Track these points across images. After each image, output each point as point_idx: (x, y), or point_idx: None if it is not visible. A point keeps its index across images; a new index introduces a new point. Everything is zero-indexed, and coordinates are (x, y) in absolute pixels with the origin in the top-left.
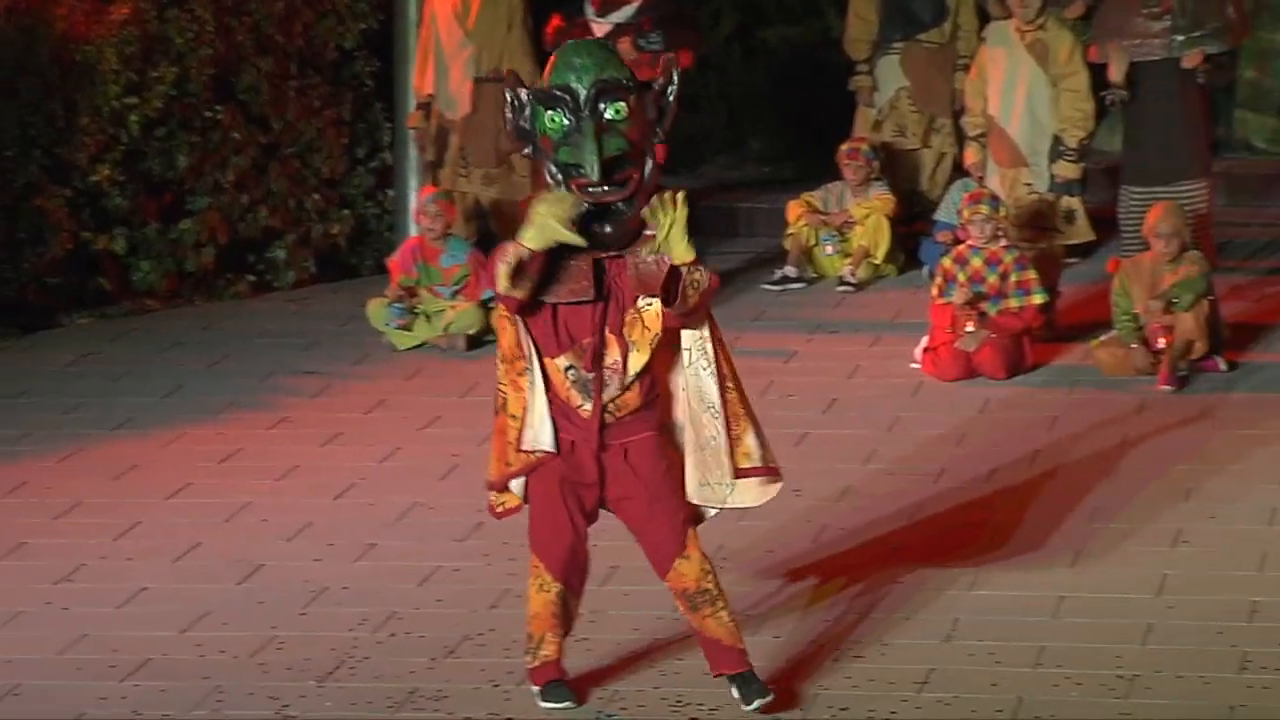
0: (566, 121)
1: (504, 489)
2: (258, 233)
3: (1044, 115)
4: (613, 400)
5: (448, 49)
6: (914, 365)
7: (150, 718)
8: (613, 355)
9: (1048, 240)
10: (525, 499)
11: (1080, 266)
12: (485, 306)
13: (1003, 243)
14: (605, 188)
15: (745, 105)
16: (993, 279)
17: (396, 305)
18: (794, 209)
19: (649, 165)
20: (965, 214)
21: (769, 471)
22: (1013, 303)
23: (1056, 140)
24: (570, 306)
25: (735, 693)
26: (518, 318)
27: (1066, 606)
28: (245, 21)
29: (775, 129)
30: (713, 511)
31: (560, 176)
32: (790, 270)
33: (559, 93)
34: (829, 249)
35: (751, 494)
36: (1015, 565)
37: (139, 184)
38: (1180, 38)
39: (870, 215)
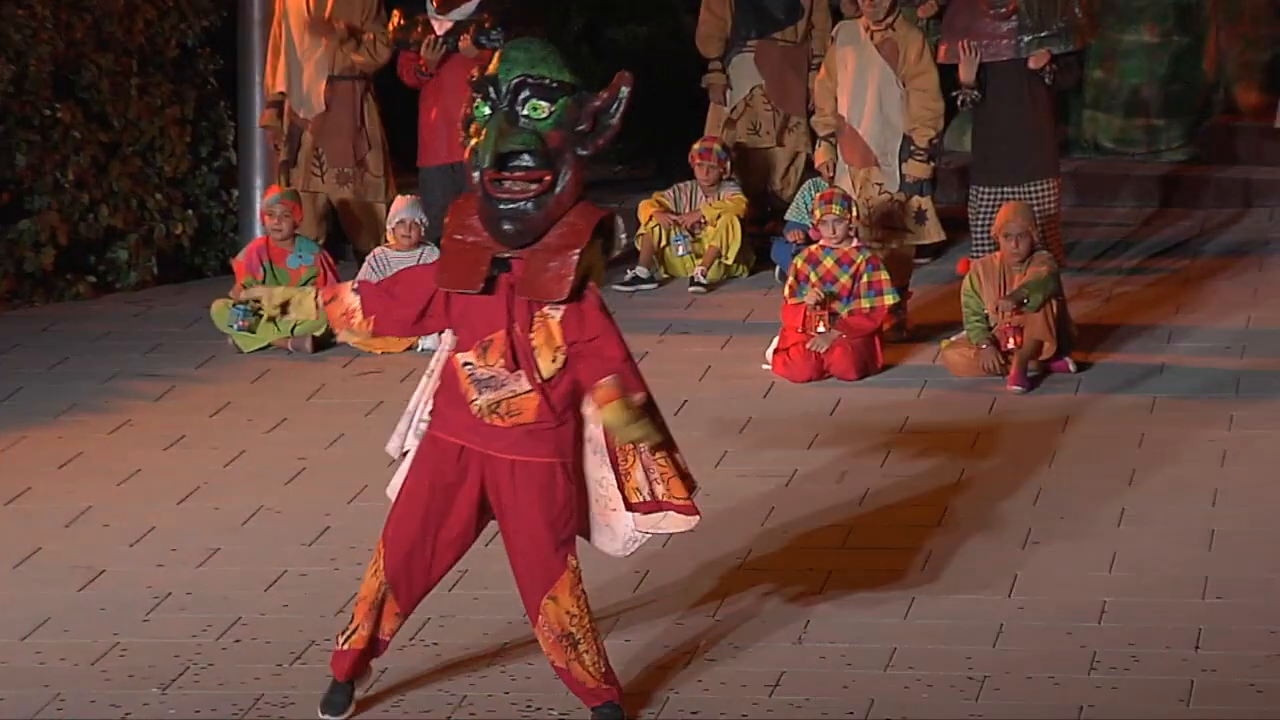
0: (487, 112)
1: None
2: (99, 233)
3: (894, 115)
4: (504, 401)
5: (300, 47)
6: (765, 366)
7: None
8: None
9: (898, 240)
10: None
11: (931, 266)
12: None
13: (855, 243)
14: (502, 181)
15: None
16: (845, 279)
17: (240, 306)
18: (645, 209)
19: (566, 174)
20: (818, 214)
21: (658, 506)
22: (864, 303)
23: (907, 140)
24: (474, 302)
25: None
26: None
27: (917, 608)
28: (85, 18)
29: (627, 128)
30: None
31: (472, 168)
32: (641, 271)
33: (485, 83)
34: (680, 249)
35: (673, 521)
36: (867, 566)
37: None
38: (1027, 38)
39: (722, 215)
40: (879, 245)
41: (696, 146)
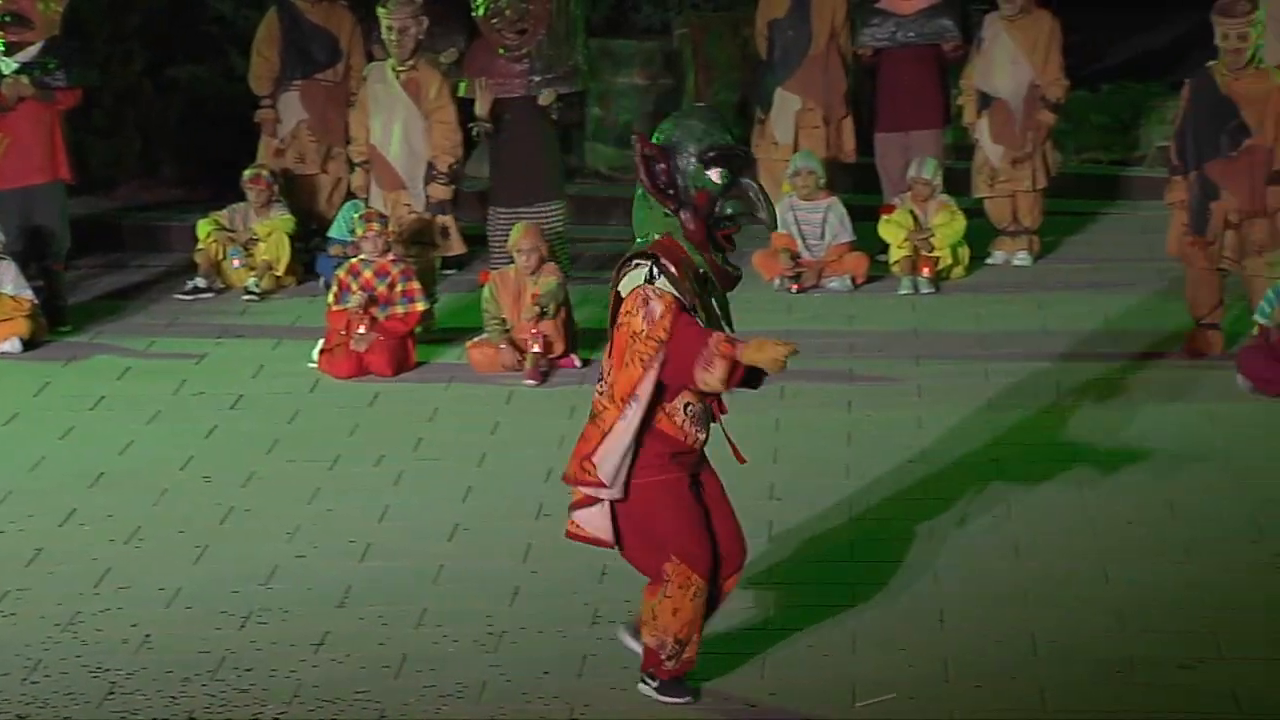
0: (731, 178)
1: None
2: None
3: (418, 144)
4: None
5: None
6: (311, 365)
7: None
8: None
9: (426, 254)
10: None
11: (456, 277)
12: None
13: (390, 256)
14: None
15: (159, 134)
16: (382, 288)
17: None
18: (204, 227)
19: None
20: (359, 231)
21: None
22: (399, 309)
23: (430, 166)
24: None
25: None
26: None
27: (445, 572)
28: None
29: (187, 155)
30: None
31: (725, 226)
32: (201, 281)
33: (733, 153)
34: (236, 262)
35: None
36: (399, 541)
37: None
38: (536, 79)
39: (273, 233)
40: (412, 259)
41: (248, 172)
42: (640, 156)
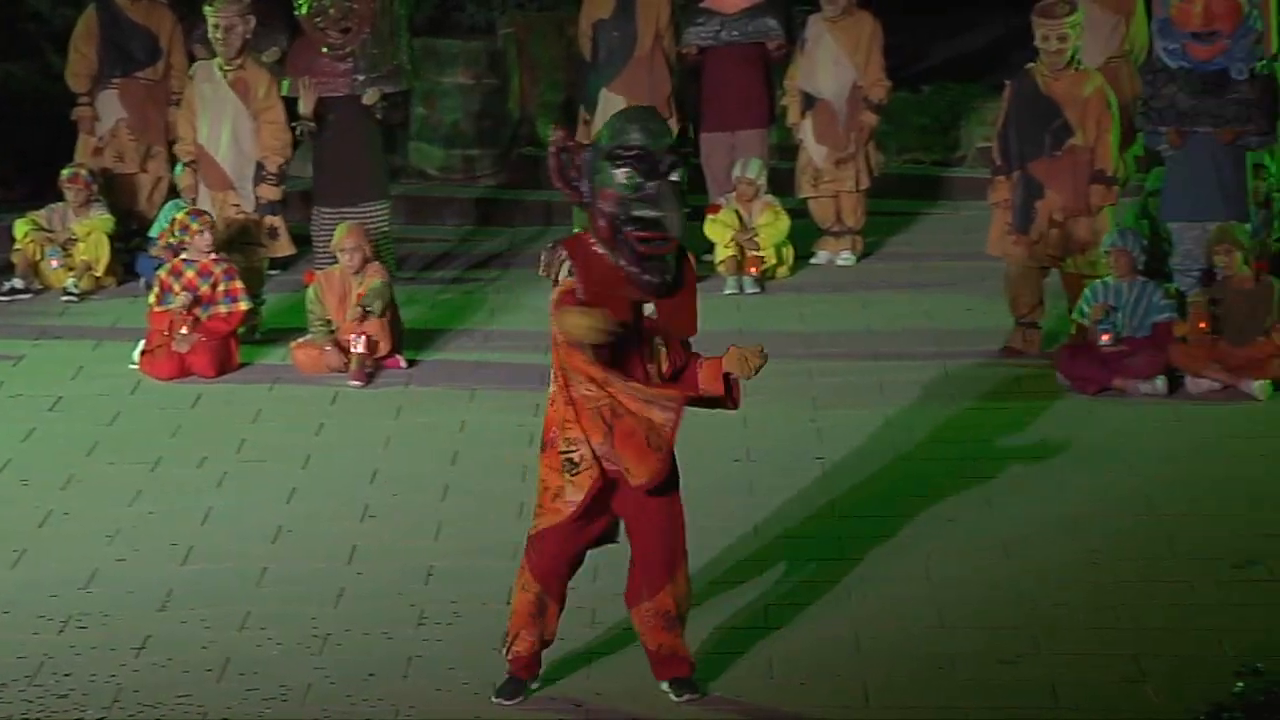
0: (639, 180)
1: None
2: None
3: (247, 144)
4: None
5: None
6: (132, 366)
7: None
8: None
9: (253, 254)
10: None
11: (281, 277)
12: None
13: (213, 256)
14: (657, 240)
15: None
16: (205, 288)
17: None
18: (21, 227)
19: None
20: (194, 227)
21: None
22: (222, 309)
23: (259, 166)
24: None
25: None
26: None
27: (269, 575)
28: None
29: (3, 154)
30: None
31: (630, 229)
32: (18, 282)
33: (637, 153)
34: (54, 263)
35: None
36: (224, 545)
37: None
38: (360, 78)
39: (91, 233)
40: (239, 258)
41: (66, 172)
42: (551, 144)
